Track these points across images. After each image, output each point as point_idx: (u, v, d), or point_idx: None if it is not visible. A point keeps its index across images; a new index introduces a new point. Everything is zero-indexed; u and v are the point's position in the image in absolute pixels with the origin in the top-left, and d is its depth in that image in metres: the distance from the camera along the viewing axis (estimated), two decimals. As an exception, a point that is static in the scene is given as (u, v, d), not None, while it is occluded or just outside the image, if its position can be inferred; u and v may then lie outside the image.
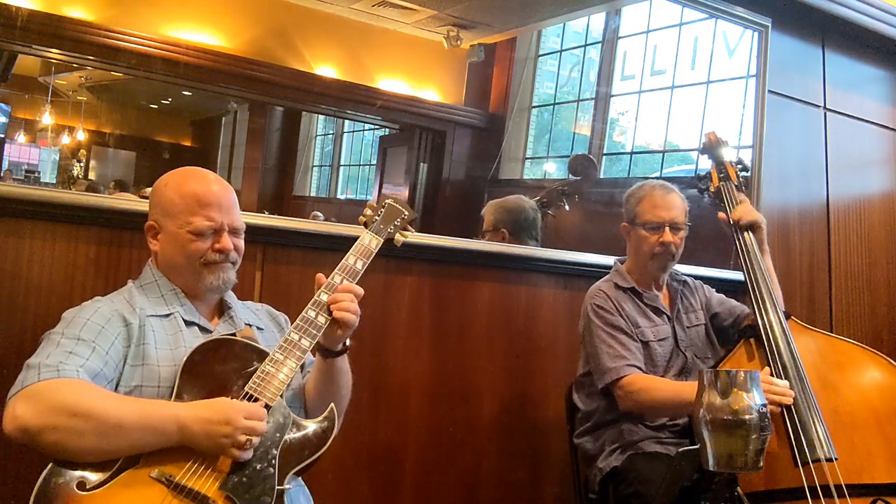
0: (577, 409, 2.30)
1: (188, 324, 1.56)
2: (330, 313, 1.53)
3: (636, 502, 2.00)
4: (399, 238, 1.71)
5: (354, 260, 1.61)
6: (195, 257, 1.55)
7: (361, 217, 1.71)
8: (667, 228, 2.21)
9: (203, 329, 1.58)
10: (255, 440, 1.37)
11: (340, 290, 1.54)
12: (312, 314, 1.53)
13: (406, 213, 1.73)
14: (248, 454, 1.36)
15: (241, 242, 1.62)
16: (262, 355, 1.50)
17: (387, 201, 1.73)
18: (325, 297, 1.54)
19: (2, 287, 1.87)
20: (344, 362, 1.63)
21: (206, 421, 1.34)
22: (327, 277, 1.58)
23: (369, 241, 1.65)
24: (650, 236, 2.22)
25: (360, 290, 1.57)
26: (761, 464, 1.34)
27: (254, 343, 1.54)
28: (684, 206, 2.28)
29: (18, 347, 1.84)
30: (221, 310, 1.65)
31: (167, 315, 1.55)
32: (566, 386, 2.39)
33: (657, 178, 4.24)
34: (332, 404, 1.53)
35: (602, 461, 2.16)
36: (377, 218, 1.70)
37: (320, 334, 1.53)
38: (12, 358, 1.82)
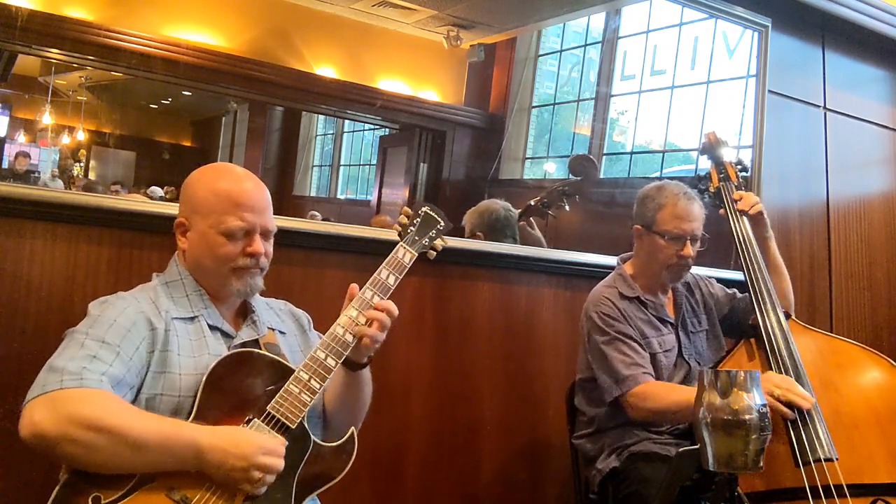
0: (577, 411, 2.29)
1: (212, 328, 1.52)
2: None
3: (636, 502, 2.00)
4: (431, 252, 1.64)
5: (387, 275, 1.55)
6: (224, 261, 1.49)
7: (396, 225, 1.63)
8: (688, 241, 2.14)
9: (225, 334, 1.53)
10: (270, 478, 1.34)
11: (377, 307, 1.50)
12: (340, 331, 1.48)
13: (441, 223, 1.64)
14: (261, 490, 1.34)
15: (271, 247, 1.55)
16: (286, 372, 1.45)
17: (423, 209, 1.64)
18: (354, 313, 1.50)
19: (2, 287, 1.86)
20: (367, 373, 1.61)
21: (223, 452, 1.30)
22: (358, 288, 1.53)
23: (403, 255, 1.58)
24: (669, 247, 2.15)
25: (395, 310, 1.53)
26: (761, 464, 1.34)
27: (279, 359, 1.49)
28: (704, 215, 2.20)
29: (18, 347, 1.84)
30: (245, 313, 1.60)
31: (192, 318, 1.50)
32: (566, 386, 2.39)
33: (659, 177, 4.23)
34: (353, 429, 1.50)
35: (601, 462, 2.15)
36: (412, 228, 1.61)
37: (347, 352, 1.48)
38: (12, 358, 1.82)
